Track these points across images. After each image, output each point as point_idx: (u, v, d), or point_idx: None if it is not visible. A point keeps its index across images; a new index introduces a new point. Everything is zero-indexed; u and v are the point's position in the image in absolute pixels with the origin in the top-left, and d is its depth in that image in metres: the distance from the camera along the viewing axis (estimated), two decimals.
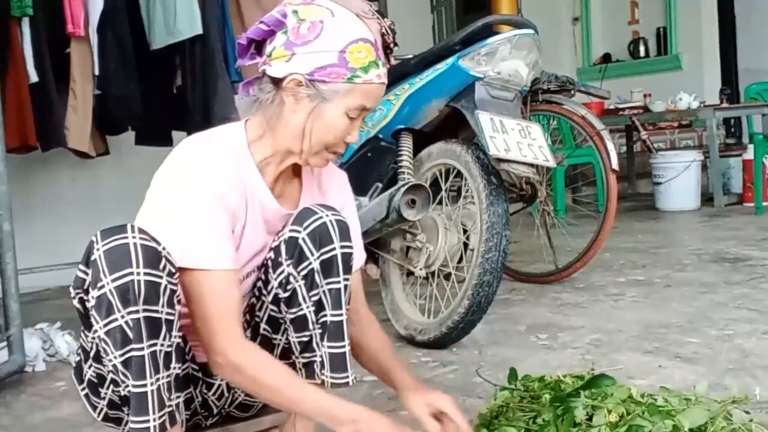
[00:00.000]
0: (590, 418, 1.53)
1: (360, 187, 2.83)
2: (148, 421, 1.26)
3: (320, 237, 1.42)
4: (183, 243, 1.34)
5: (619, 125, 6.19)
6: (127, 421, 1.31)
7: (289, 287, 1.44)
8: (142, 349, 1.25)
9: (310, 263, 1.42)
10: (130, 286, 1.23)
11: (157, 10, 3.39)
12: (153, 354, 1.27)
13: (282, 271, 1.44)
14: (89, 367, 1.42)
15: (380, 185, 2.78)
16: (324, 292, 1.43)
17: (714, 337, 2.45)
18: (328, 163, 1.52)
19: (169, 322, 1.29)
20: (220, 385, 1.56)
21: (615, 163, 3.28)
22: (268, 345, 1.52)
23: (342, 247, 1.44)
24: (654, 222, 5.49)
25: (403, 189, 2.47)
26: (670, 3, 7.91)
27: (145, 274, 1.24)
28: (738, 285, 3.17)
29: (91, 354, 1.39)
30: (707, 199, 5.83)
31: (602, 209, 3.40)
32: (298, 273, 1.42)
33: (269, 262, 1.47)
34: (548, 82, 3.34)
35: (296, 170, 1.57)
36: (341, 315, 1.44)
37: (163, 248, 1.29)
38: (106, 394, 1.43)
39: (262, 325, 1.52)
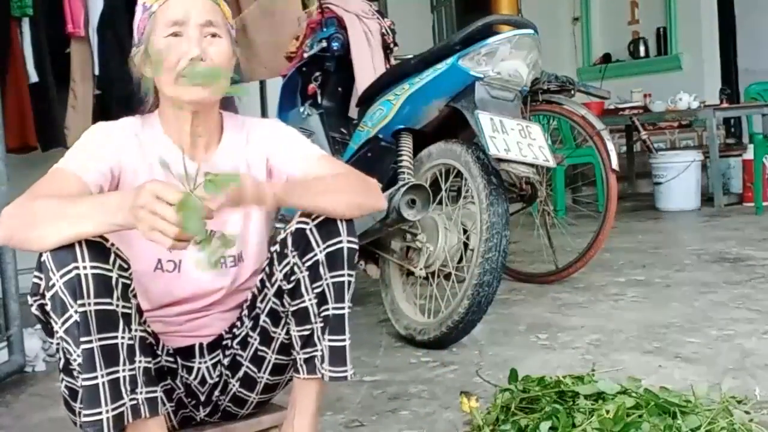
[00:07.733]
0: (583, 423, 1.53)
1: None
2: (100, 413, 1.25)
3: (328, 229, 1.44)
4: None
5: (619, 125, 6.19)
6: None
7: (293, 278, 1.45)
8: (91, 342, 1.25)
9: (316, 254, 1.43)
10: (76, 280, 1.24)
11: None
12: (108, 347, 1.26)
13: (287, 263, 1.45)
14: (61, 382, 1.38)
15: (380, 185, 2.78)
16: (328, 284, 1.43)
17: (714, 337, 2.45)
18: (200, 93, 1.47)
19: (127, 315, 1.30)
20: (199, 369, 1.56)
21: (615, 163, 3.28)
22: (266, 338, 1.53)
23: (349, 242, 1.45)
24: (654, 222, 5.48)
25: (403, 189, 2.47)
26: (670, 3, 7.91)
27: (92, 267, 1.25)
28: (738, 285, 3.17)
29: (61, 365, 1.35)
30: (707, 199, 5.81)
31: (602, 209, 3.39)
32: (303, 264, 1.43)
33: (275, 255, 1.48)
34: (548, 82, 3.34)
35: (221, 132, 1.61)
36: (343, 308, 1.44)
37: (112, 244, 1.30)
38: (80, 409, 1.39)
39: (263, 317, 1.52)
